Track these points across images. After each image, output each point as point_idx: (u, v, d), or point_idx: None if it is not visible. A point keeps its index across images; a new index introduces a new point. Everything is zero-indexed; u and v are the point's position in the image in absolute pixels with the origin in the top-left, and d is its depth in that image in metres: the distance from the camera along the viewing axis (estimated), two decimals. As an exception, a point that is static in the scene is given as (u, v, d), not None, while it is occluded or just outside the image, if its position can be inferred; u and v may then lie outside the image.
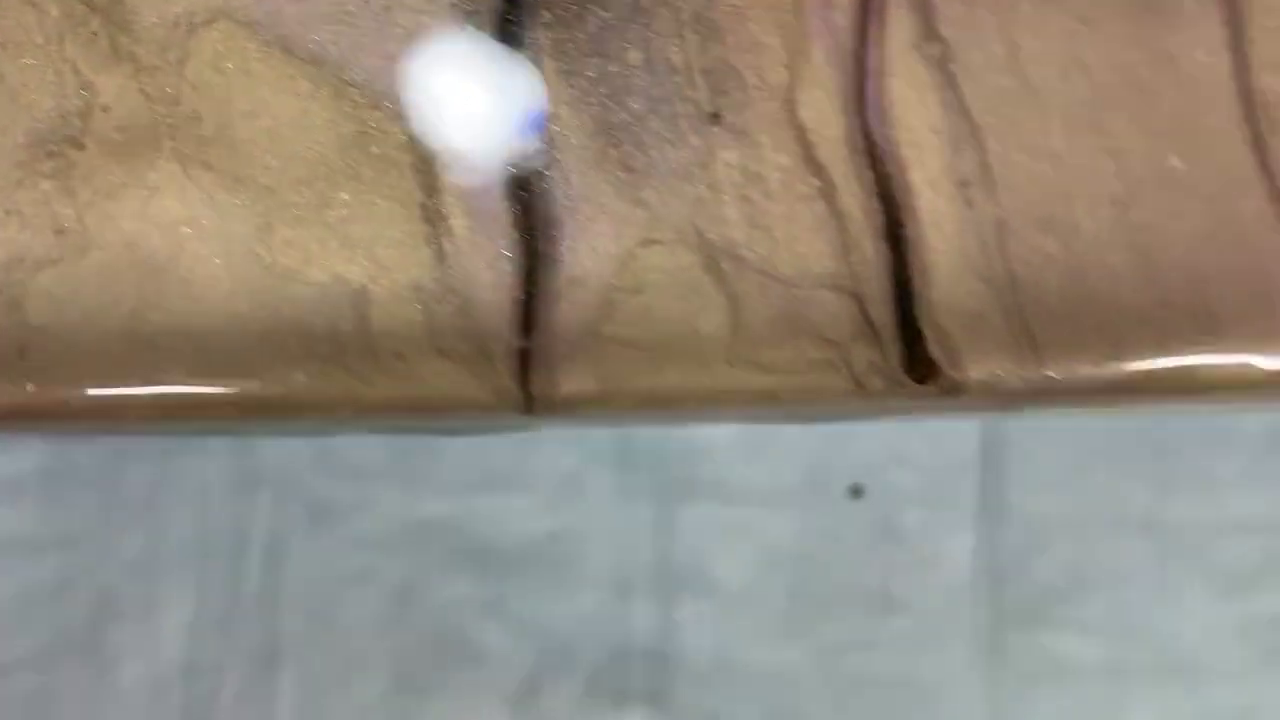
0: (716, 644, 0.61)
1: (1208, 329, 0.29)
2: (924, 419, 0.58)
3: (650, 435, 0.61)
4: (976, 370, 0.29)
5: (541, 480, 0.62)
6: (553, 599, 0.61)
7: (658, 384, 0.29)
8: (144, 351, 0.29)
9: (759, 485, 0.61)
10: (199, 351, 0.29)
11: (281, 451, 0.61)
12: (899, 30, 0.30)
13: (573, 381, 0.29)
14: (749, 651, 0.62)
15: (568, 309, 0.29)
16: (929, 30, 0.30)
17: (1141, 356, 0.29)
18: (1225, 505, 0.61)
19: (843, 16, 0.29)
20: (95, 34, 0.30)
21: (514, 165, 0.29)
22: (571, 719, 0.63)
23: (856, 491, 0.62)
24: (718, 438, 0.61)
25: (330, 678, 0.61)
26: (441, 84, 0.29)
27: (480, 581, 0.61)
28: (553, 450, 0.61)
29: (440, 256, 0.29)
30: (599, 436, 0.61)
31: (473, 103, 0.29)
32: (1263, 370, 0.29)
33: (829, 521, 0.61)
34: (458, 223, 0.29)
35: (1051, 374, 0.28)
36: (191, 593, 0.62)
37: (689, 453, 0.60)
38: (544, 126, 0.29)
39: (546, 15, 0.30)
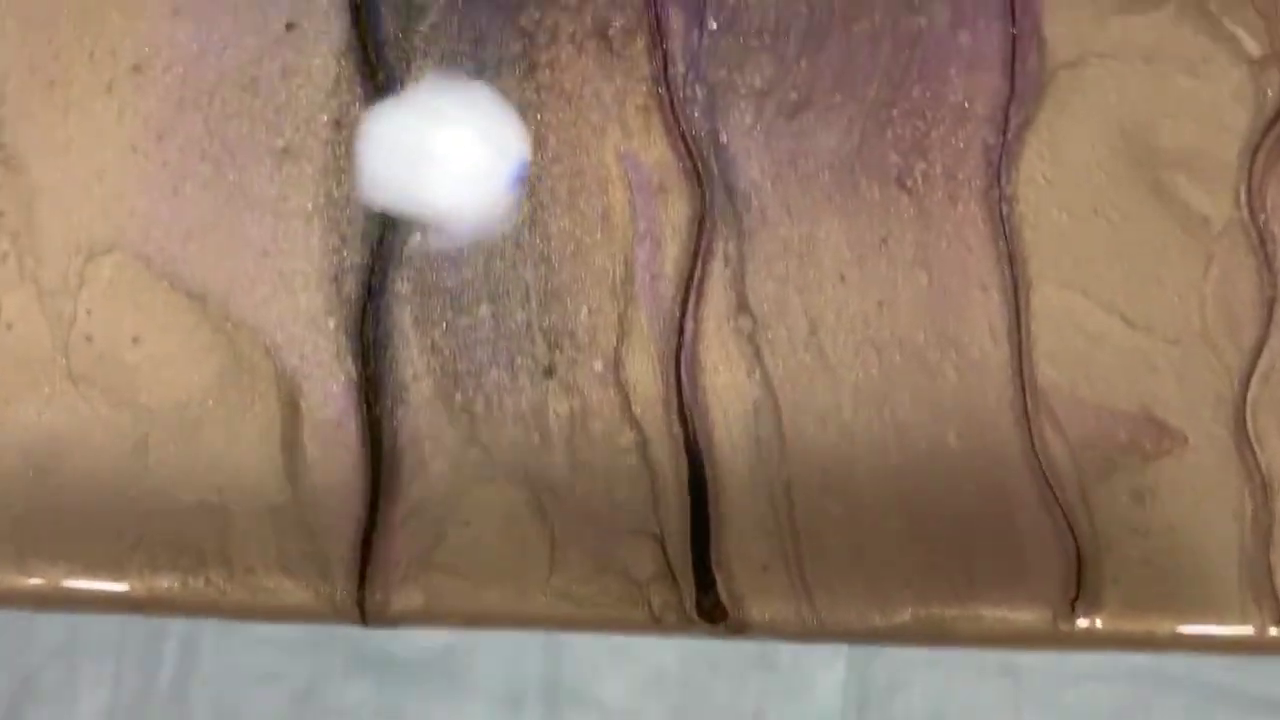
0: (598, 758, 0.64)
1: (965, 592, 0.32)
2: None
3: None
4: (759, 613, 0.32)
5: (443, 594, 0.65)
6: (446, 708, 0.64)
7: (479, 607, 0.32)
8: (30, 550, 0.32)
9: (648, 610, 0.64)
10: (78, 553, 0.32)
11: (200, 552, 0.64)
12: (716, 303, 0.33)
13: (402, 601, 0.32)
14: (628, 767, 0.65)
15: (403, 537, 0.32)
16: (742, 305, 0.33)
17: (903, 611, 0.32)
18: (1079, 654, 0.64)
19: (668, 287, 0.33)
20: (6, 255, 0.33)
21: (368, 400, 0.33)
22: (456, 822, 0.65)
23: (738, 622, 0.66)
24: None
25: (233, 769, 0.65)
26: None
27: (378, 688, 0.64)
28: (456, 565, 0.64)
29: (294, 483, 0.32)
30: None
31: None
32: (1012, 627, 0.32)
33: (710, 648, 0.64)
34: (313, 453, 0.33)
35: (823, 620, 0.32)
36: (109, 681, 0.65)
37: (583, 576, 0.63)
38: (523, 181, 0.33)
39: (409, 270, 0.33)
